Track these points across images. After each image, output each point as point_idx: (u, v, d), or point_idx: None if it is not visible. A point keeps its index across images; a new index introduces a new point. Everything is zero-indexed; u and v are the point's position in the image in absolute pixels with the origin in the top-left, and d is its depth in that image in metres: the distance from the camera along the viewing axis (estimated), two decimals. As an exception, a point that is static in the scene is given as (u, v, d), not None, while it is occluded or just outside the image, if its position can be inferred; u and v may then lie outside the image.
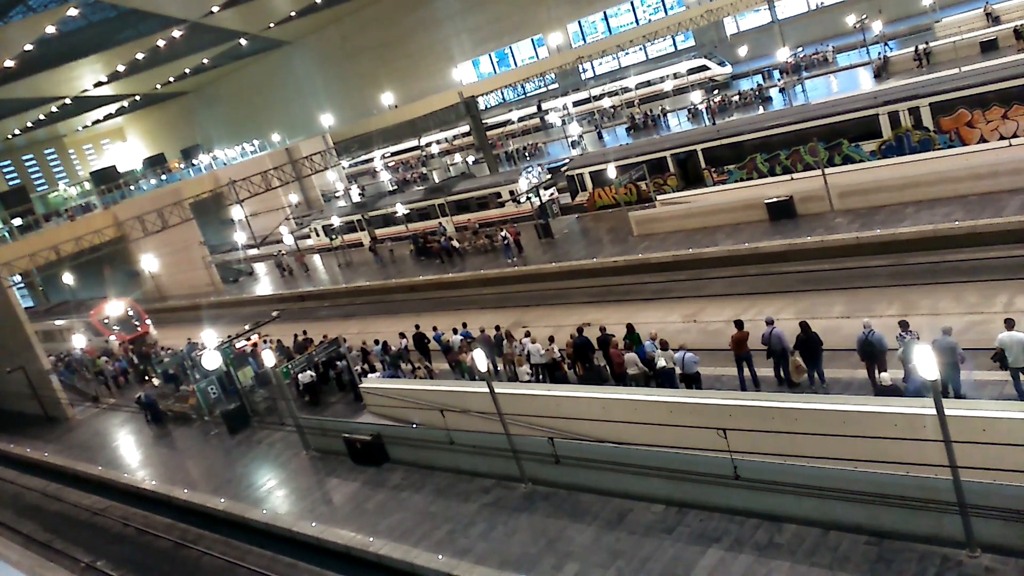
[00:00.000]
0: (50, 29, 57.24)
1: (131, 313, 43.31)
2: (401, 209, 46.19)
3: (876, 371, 15.90)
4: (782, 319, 19.61)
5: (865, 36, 55.94)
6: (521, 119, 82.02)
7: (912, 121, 28.76)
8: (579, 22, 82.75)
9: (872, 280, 22.21)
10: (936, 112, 28.23)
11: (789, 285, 23.78)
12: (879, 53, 51.72)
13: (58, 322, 47.55)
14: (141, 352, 38.79)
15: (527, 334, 22.28)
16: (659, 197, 33.76)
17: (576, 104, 76.87)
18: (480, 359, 15.94)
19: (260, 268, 56.20)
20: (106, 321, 42.56)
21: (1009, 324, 14.44)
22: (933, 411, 10.67)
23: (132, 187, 67.61)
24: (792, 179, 29.84)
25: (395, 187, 69.59)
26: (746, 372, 18.15)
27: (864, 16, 56.97)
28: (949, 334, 14.81)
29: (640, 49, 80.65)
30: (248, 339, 28.61)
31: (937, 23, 51.49)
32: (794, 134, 31.42)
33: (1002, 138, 26.72)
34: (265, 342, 30.42)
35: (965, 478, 10.79)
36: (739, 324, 18.36)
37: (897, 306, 20.01)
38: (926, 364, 10.48)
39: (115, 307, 42.95)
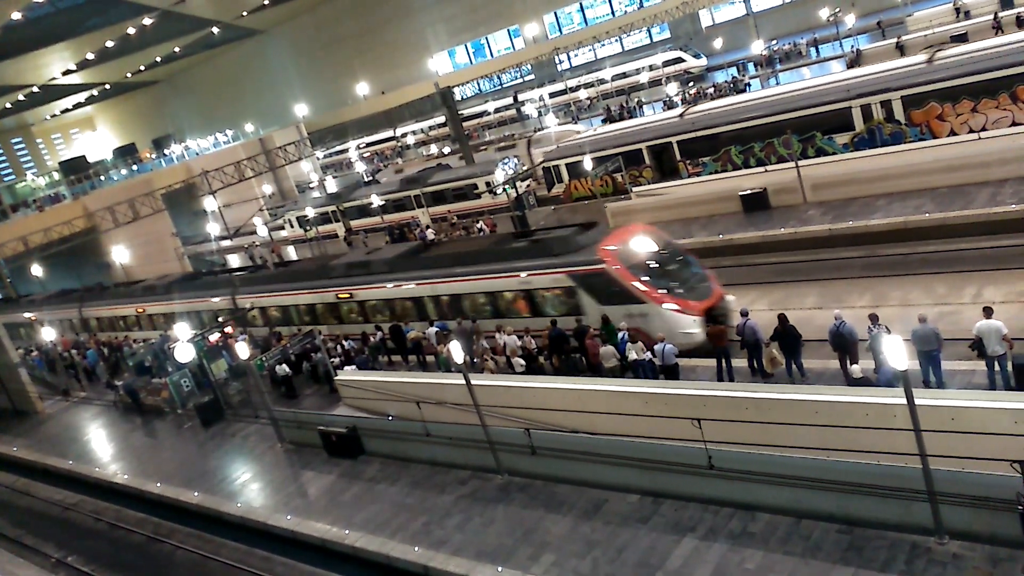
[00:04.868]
0: (16, 15, 56.13)
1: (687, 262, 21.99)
2: (376, 200, 45.95)
3: (848, 362, 16.08)
4: (756, 310, 19.82)
5: (839, 29, 56.47)
6: (497, 110, 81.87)
7: (884, 114, 29.07)
8: (555, 13, 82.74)
9: (844, 271, 22.45)
10: (907, 105, 28.54)
11: (762, 276, 23.97)
12: (852, 46, 52.21)
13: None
14: (111, 344, 38.24)
15: (499, 328, 22.41)
16: (635, 189, 33.87)
17: (552, 95, 76.88)
18: (456, 351, 15.92)
19: (233, 260, 55.65)
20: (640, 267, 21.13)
21: (987, 312, 14.59)
22: (903, 401, 10.81)
23: (102, 177, 66.71)
24: (766, 171, 30.05)
25: (370, 178, 69.20)
26: (724, 365, 18.29)
27: (837, 9, 57.54)
28: (926, 322, 14.98)
29: (616, 41, 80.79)
30: (221, 332, 28.33)
31: (909, 17, 52.07)
32: (768, 127, 31.63)
33: (971, 131, 27.08)
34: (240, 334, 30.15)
35: (934, 466, 10.97)
36: (715, 319, 18.47)
37: (868, 297, 20.26)
38: (896, 355, 10.62)
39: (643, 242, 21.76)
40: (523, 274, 22.36)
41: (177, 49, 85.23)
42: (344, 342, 26.25)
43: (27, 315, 47.19)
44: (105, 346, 38.63)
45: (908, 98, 28.53)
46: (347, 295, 27.78)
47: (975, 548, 11.04)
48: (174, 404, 28.01)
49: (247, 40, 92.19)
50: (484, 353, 21.94)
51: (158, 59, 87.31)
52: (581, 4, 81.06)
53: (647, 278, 20.29)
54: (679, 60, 69.41)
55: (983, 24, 41.66)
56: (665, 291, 19.99)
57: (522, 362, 21.04)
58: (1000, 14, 42.50)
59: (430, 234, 40.11)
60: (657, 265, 20.90)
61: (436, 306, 25.10)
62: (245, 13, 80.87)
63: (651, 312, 19.72)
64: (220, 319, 30.41)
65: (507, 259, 23.15)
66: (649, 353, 18.64)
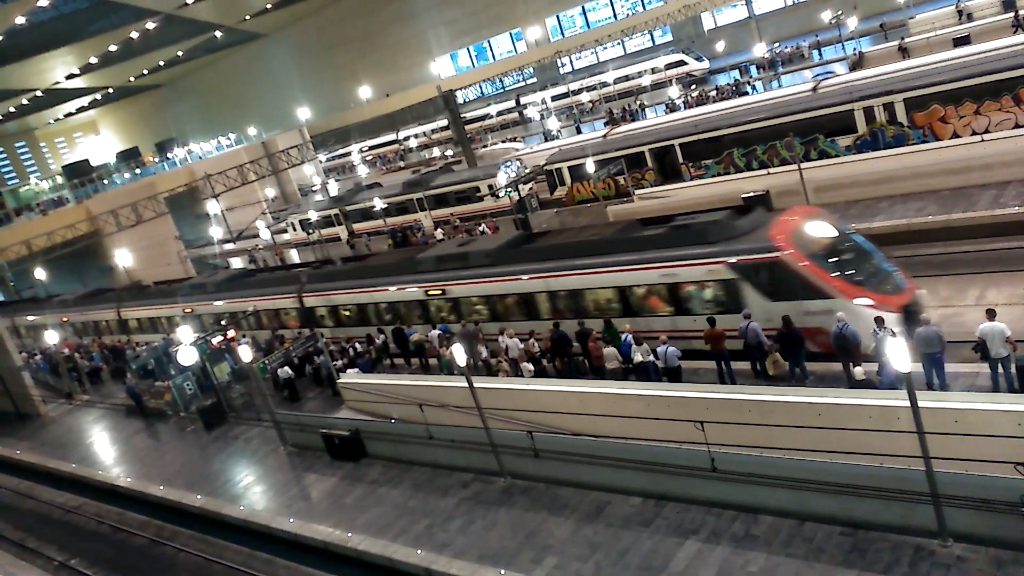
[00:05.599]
0: (20, 20, 56.30)
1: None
2: (379, 203, 45.99)
3: (851, 365, 16.05)
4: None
5: (840, 32, 56.47)
6: (500, 113, 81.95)
7: (887, 116, 29.06)
8: (557, 16, 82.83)
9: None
10: (910, 108, 28.53)
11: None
12: (854, 49, 52.20)
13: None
14: (115, 348, 38.28)
15: (501, 331, 22.32)
16: (637, 192, 33.86)
17: (555, 98, 76.95)
18: (459, 354, 15.92)
19: (236, 263, 55.71)
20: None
21: (990, 315, 14.57)
22: (906, 403, 10.78)
23: (105, 181, 66.83)
24: (769, 174, 30.04)
25: (371, 183, 69.32)
26: (724, 368, 18.26)
27: (840, 12, 57.56)
28: (929, 324, 14.95)
29: (618, 44, 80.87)
30: (224, 335, 28.36)
31: (911, 19, 52.06)
32: (770, 129, 31.63)
33: (974, 133, 27.05)
34: (242, 337, 30.18)
35: (938, 469, 10.93)
36: (711, 321, 18.44)
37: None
38: (899, 357, 10.60)
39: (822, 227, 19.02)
40: (666, 265, 19.52)
41: (180, 53, 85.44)
42: (356, 344, 26.03)
43: (59, 317, 45.97)
44: (108, 349, 38.70)
45: (911, 100, 28.52)
46: (439, 291, 25.12)
47: (979, 551, 11.01)
48: (177, 407, 28.03)
49: (250, 44, 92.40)
50: (499, 355, 21.52)
51: (161, 63, 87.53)
52: (583, 7, 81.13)
53: (835, 268, 17.42)
54: (681, 63, 69.45)
55: (987, 27, 41.60)
56: (857, 283, 17.21)
57: (531, 367, 20.91)
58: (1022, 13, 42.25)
59: (438, 234, 40.16)
60: (843, 253, 18.06)
61: (551, 303, 22.43)
62: (248, 17, 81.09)
63: (841, 308, 16.65)
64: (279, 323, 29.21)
65: (642, 248, 20.35)
66: (652, 355, 18.63)
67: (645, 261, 20.02)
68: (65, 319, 45.74)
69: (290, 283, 31.13)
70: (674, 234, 20.20)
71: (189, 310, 35.71)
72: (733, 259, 18.37)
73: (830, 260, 17.69)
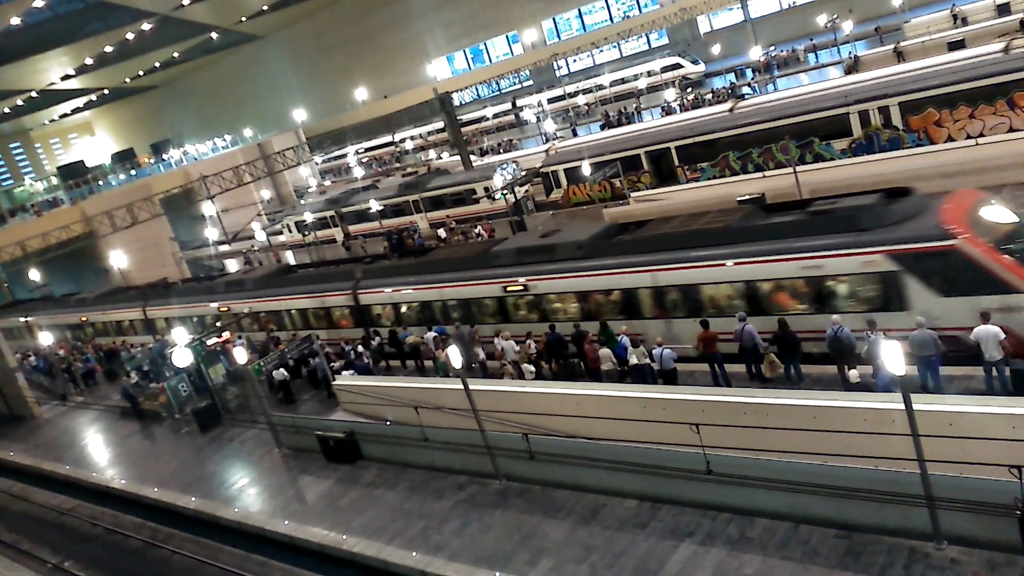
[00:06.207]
0: (15, 20, 56.19)
1: None
2: (375, 205, 45.98)
3: (845, 368, 16.09)
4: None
5: (836, 36, 56.63)
6: (496, 116, 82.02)
7: (882, 120, 29.15)
8: (554, 19, 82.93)
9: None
10: (905, 111, 28.64)
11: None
12: (850, 52, 52.36)
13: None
14: (110, 350, 38.17)
15: (497, 333, 22.29)
16: (633, 194, 33.92)
17: (551, 101, 77.06)
18: (455, 356, 15.91)
19: (231, 264, 55.62)
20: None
21: (984, 318, 14.63)
22: (901, 406, 10.80)
23: (100, 182, 66.74)
24: (764, 177, 30.12)
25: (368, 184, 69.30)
26: (717, 369, 18.28)
27: (835, 16, 57.75)
28: (924, 327, 14.99)
29: (614, 47, 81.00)
30: (219, 336, 28.31)
31: (906, 23, 52.25)
32: (766, 132, 31.71)
33: (969, 137, 27.17)
34: (238, 339, 30.13)
35: (932, 472, 10.96)
36: (705, 324, 18.45)
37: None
38: (894, 360, 10.63)
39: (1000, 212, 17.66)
40: (810, 256, 17.27)
41: (176, 54, 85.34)
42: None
43: (79, 316, 44.20)
44: (103, 351, 38.60)
45: (906, 104, 28.62)
46: (519, 288, 22.82)
47: (973, 553, 11.03)
48: (171, 409, 27.96)
49: (246, 45, 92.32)
50: (502, 358, 21.31)
51: (157, 64, 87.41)
52: (580, 10, 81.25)
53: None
54: (677, 66, 69.59)
55: (982, 31, 41.75)
56: None
57: (532, 368, 20.86)
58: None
59: (441, 234, 40.14)
60: None
61: (656, 300, 20.04)
62: (244, 18, 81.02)
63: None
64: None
65: (776, 237, 18.10)
66: (648, 358, 18.64)
67: (781, 252, 17.68)
68: (84, 318, 43.80)
69: (343, 279, 28.89)
70: (814, 220, 17.93)
71: (225, 308, 33.62)
72: (896, 248, 16.05)
73: (1016, 248, 15.44)
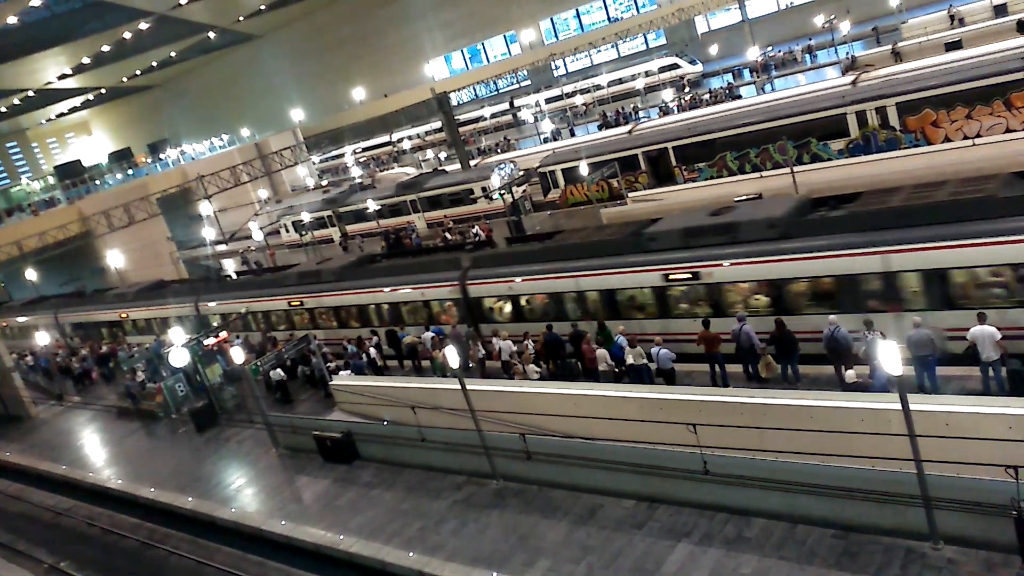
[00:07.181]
0: (12, 19, 56.08)
1: None
2: (372, 205, 45.96)
3: (842, 368, 16.11)
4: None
5: (833, 36, 56.68)
6: (493, 115, 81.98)
7: (879, 120, 29.17)
8: (551, 19, 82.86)
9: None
10: (902, 112, 28.65)
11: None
12: (847, 53, 52.40)
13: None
14: (101, 356, 37.95)
15: (495, 333, 22.27)
16: (630, 194, 33.90)
17: (548, 101, 77.04)
18: (452, 356, 15.90)
19: (228, 264, 55.54)
20: None
21: (981, 318, 14.64)
22: (898, 406, 10.82)
23: (97, 182, 66.63)
24: (761, 177, 30.11)
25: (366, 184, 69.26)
26: (717, 369, 18.30)
27: (832, 16, 57.79)
28: (921, 327, 14.99)
29: (612, 47, 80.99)
30: (216, 336, 28.25)
31: (904, 24, 52.30)
32: (764, 132, 31.72)
33: (966, 137, 27.18)
34: (236, 339, 30.07)
35: (929, 472, 10.98)
36: (706, 323, 18.46)
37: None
38: (890, 361, 10.63)
39: None
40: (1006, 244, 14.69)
41: (173, 54, 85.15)
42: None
43: (117, 313, 41.04)
44: (97, 354, 38.48)
45: (903, 104, 28.64)
46: (687, 275, 19.45)
47: (969, 554, 11.05)
48: (168, 409, 27.92)
49: (243, 45, 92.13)
50: (513, 356, 21.19)
51: (154, 64, 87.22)
52: (577, 10, 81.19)
53: None
54: (675, 66, 69.59)
55: (979, 31, 41.77)
56: None
57: (537, 369, 20.81)
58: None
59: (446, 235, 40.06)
60: None
61: (889, 288, 16.61)
62: (241, 18, 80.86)
63: None
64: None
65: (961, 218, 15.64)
66: (646, 358, 18.65)
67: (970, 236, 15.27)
68: (124, 315, 40.48)
69: (446, 269, 25.66)
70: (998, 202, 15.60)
71: (297, 303, 30.62)
72: None
73: None
